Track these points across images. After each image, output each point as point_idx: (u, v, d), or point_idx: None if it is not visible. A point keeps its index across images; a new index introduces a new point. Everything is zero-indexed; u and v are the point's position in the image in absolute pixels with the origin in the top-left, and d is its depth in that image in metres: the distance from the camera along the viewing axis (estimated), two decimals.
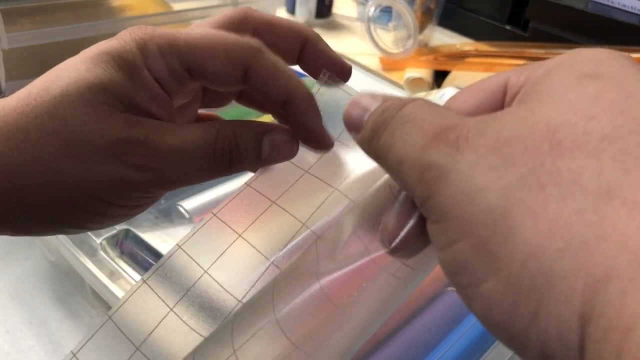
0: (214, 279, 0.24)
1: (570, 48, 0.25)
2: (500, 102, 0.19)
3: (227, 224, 0.26)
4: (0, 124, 0.21)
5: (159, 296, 0.24)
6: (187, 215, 0.44)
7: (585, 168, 0.14)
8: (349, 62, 0.28)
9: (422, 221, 0.18)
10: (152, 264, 0.41)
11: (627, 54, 0.17)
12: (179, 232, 0.42)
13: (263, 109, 0.30)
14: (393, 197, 0.19)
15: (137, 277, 0.39)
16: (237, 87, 0.24)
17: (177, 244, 0.25)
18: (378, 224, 0.20)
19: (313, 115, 0.24)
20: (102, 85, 0.22)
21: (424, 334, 0.40)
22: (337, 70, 0.27)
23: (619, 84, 0.16)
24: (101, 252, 0.40)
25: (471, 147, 0.16)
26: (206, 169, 0.23)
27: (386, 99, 0.19)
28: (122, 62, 0.22)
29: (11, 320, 0.41)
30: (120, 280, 0.39)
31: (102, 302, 0.41)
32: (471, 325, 0.40)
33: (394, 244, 0.19)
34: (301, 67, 0.28)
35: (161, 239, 0.41)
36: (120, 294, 0.38)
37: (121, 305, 0.25)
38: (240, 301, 0.24)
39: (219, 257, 0.25)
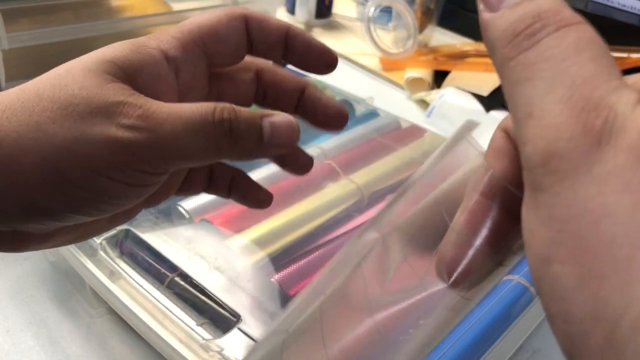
0: None
1: None
2: None
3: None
4: (1, 97, 0.21)
5: None
6: (187, 215, 0.44)
7: None
8: (343, 107, 0.29)
9: (483, 251, 0.17)
10: (152, 264, 0.41)
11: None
12: (179, 232, 0.42)
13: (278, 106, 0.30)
14: (447, 225, 0.18)
15: (137, 277, 0.39)
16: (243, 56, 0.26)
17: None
18: (430, 252, 0.18)
19: (313, 40, 0.26)
20: (107, 57, 0.22)
21: None
22: (334, 115, 0.28)
23: None
24: (101, 252, 0.40)
25: (612, 146, 0.13)
26: (206, 136, 0.21)
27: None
28: (134, 41, 0.23)
29: (11, 320, 0.41)
30: (120, 280, 0.39)
31: (102, 302, 0.41)
32: (471, 325, 0.40)
33: (454, 278, 0.17)
34: (300, 115, 0.29)
35: (161, 239, 0.41)
36: (120, 294, 0.38)
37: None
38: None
39: None
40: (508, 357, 0.41)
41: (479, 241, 0.17)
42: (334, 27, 0.98)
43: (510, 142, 0.18)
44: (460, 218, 0.19)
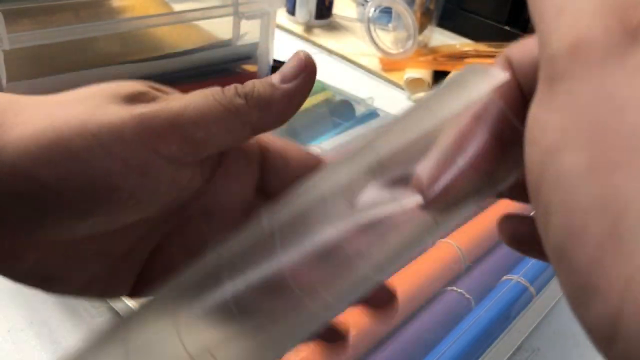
0: None
1: None
2: None
3: None
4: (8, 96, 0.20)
5: None
6: None
7: None
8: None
9: (466, 173, 0.17)
10: None
11: None
12: None
13: None
14: (429, 148, 0.18)
15: None
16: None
17: None
18: (406, 179, 0.18)
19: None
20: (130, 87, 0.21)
21: (424, 334, 0.40)
22: None
23: None
24: None
25: None
26: (219, 100, 0.20)
27: None
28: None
29: (12, 320, 0.41)
30: None
31: (103, 301, 0.41)
32: (471, 325, 0.40)
33: (430, 196, 0.17)
34: None
35: None
36: None
37: None
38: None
39: None
40: (507, 357, 0.41)
41: (463, 162, 0.17)
42: (334, 27, 0.98)
43: (511, 69, 0.18)
44: (447, 138, 0.18)
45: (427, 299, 0.43)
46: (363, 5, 0.92)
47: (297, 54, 0.22)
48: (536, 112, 0.14)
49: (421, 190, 0.18)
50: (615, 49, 0.13)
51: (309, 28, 0.96)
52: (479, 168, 0.18)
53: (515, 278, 0.44)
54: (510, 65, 0.18)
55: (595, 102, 0.12)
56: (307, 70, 0.21)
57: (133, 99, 0.20)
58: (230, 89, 0.21)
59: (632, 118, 0.12)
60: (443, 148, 0.17)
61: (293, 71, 0.21)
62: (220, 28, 0.69)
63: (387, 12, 0.87)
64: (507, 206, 0.51)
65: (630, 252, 0.11)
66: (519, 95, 0.18)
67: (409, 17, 0.82)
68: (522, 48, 0.18)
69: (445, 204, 0.17)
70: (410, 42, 0.83)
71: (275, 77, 0.21)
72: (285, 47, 0.86)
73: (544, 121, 0.14)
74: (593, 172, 0.12)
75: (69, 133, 0.18)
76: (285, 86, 0.21)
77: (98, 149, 0.18)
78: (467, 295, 0.43)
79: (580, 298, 0.12)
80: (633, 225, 0.11)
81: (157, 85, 0.21)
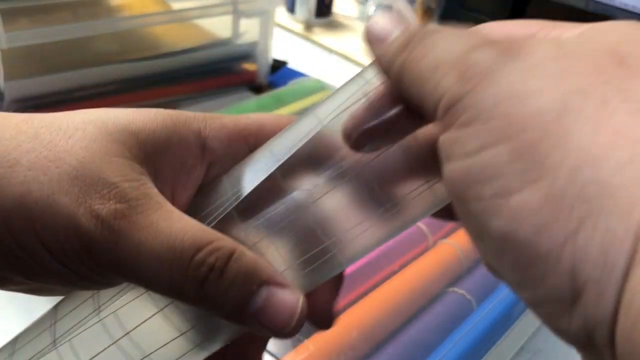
0: None
1: None
2: None
3: None
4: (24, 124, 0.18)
5: None
6: None
7: None
8: None
9: (397, 119, 0.18)
10: None
11: None
12: None
13: None
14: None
15: None
16: None
17: None
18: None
19: None
20: (132, 127, 0.19)
21: (425, 335, 0.40)
22: None
23: None
24: None
25: (526, 53, 0.14)
26: (171, 272, 0.17)
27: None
28: (176, 114, 0.21)
29: (10, 321, 0.41)
30: None
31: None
32: (472, 327, 0.40)
33: (357, 134, 0.18)
34: None
35: None
36: None
37: None
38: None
39: None
40: (509, 358, 0.41)
41: (395, 107, 0.18)
42: (334, 26, 0.98)
43: None
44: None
45: (428, 300, 0.42)
46: (363, 3, 0.92)
47: (293, 310, 0.18)
48: (446, 138, 0.15)
49: (347, 135, 0.19)
50: (498, 61, 0.14)
51: (308, 26, 0.95)
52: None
53: None
54: None
55: (499, 101, 0.14)
56: (289, 334, 0.18)
57: (95, 192, 0.17)
58: (201, 270, 0.17)
59: (534, 102, 0.13)
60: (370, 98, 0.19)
61: (274, 327, 0.18)
62: (219, 26, 0.69)
63: (387, 10, 0.87)
64: None
65: (569, 208, 0.12)
66: None
67: (410, 16, 0.82)
68: None
69: (371, 145, 0.18)
70: None
71: (256, 304, 0.18)
72: (284, 45, 0.86)
73: (457, 138, 0.15)
74: (516, 155, 0.13)
75: (16, 213, 0.17)
76: (254, 325, 0.18)
77: (34, 242, 0.17)
78: (468, 296, 0.43)
79: (532, 274, 0.13)
80: (564, 185, 0.12)
81: (129, 185, 0.18)
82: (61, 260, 0.18)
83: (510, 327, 0.41)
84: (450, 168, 0.15)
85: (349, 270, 0.42)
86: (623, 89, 0.13)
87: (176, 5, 0.66)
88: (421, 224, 0.47)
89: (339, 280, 0.22)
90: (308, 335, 0.37)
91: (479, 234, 0.14)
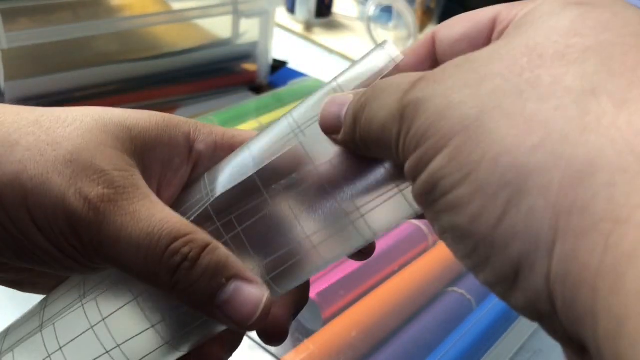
0: None
1: None
2: (486, 37, 0.19)
3: None
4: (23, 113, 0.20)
5: None
6: None
7: (567, 73, 0.14)
8: None
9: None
10: None
11: None
12: None
13: None
14: None
15: None
16: None
17: None
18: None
19: None
20: (127, 122, 0.21)
21: (425, 335, 0.40)
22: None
23: (605, 6, 0.15)
24: None
25: (448, 76, 0.16)
26: (146, 259, 0.18)
27: (358, 90, 0.19)
28: (168, 117, 0.23)
29: (10, 320, 0.41)
30: None
31: None
32: (472, 326, 0.40)
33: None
34: None
35: None
36: None
37: None
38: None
39: None
40: (509, 358, 0.41)
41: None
42: (334, 26, 0.98)
43: (434, 43, 0.21)
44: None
45: (427, 300, 0.42)
46: (363, 3, 0.92)
47: (256, 305, 0.19)
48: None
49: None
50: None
51: (308, 26, 0.95)
52: None
53: None
54: (433, 40, 0.21)
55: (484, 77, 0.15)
56: (252, 328, 0.19)
57: (85, 176, 0.19)
58: (174, 260, 0.18)
59: (457, 113, 0.15)
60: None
61: (237, 320, 0.19)
62: (219, 27, 0.69)
63: (387, 10, 0.87)
64: None
65: (494, 195, 0.13)
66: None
67: (410, 16, 0.82)
68: (449, 24, 0.20)
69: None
70: (410, 41, 0.83)
71: (223, 297, 0.19)
72: (284, 45, 0.86)
73: (415, 164, 0.16)
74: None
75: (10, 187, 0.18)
76: (220, 316, 0.19)
77: (26, 219, 0.18)
78: (468, 296, 0.43)
79: (478, 259, 0.14)
80: (486, 176, 0.14)
81: (119, 174, 0.19)
82: (48, 236, 0.19)
83: (510, 327, 0.42)
84: (415, 187, 0.16)
85: (349, 270, 0.42)
86: (534, 78, 0.14)
87: (176, 6, 0.66)
88: (421, 224, 0.47)
89: (299, 299, 0.23)
90: (308, 335, 0.37)
91: (441, 232, 0.16)
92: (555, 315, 0.13)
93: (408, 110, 0.16)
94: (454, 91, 0.15)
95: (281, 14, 0.96)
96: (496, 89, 0.14)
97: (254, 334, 0.37)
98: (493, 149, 0.14)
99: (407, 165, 0.16)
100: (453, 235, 0.15)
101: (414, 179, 0.16)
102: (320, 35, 0.93)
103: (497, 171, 0.13)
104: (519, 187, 0.13)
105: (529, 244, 0.13)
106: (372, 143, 0.18)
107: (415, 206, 0.19)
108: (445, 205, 0.15)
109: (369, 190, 0.20)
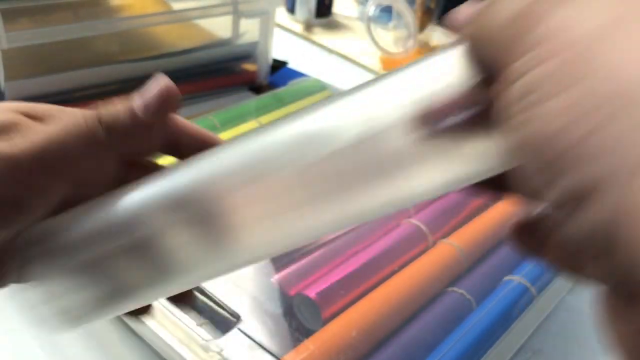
0: None
1: None
2: None
3: None
4: None
5: None
6: None
7: None
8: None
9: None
10: None
11: None
12: None
13: None
14: None
15: None
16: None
17: None
18: None
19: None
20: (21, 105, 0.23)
21: (425, 335, 0.40)
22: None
23: None
24: None
25: None
26: (79, 131, 0.22)
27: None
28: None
29: (11, 320, 0.41)
30: None
31: None
32: (472, 326, 0.40)
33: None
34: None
35: None
36: None
37: None
38: None
39: None
40: (509, 358, 0.41)
41: None
42: (334, 26, 0.98)
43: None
44: None
45: (427, 300, 0.42)
46: (363, 3, 0.92)
47: (158, 80, 0.24)
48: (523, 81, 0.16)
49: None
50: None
51: (308, 27, 0.95)
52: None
53: (517, 279, 0.44)
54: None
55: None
56: (168, 106, 0.24)
57: (2, 132, 0.21)
58: (93, 119, 0.22)
59: (580, 28, 0.15)
60: None
61: (155, 103, 0.23)
62: (219, 27, 0.69)
63: (387, 10, 0.87)
64: (506, 207, 0.51)
65: (592, 110, 0.14)
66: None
67: (410, 16, 0.82)
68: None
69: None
70: (410, 41, 0.83)
71: (138, 105, 0.23)
72: (284, 45, 0.86)
73: (521, 65, 0.16)
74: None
75: None
76: (147, 120, 0.23)
77: None
78: (468, 296, 0.43)
79: (557, 170, 0.14)
80: (589, 92, 0.14)
81: (30, 109, 0.22)
82: (34, 188, 0.21)
83: (510, 327, 0.42)
84: (512, 88, 0.16)
85: (349, 269, 0.42)
86: None
87: (176, 6, 0.66)
88: (421, 224, 0.48)
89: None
90: (308, 335, 0.37)
91: (520, 143, 0.16)
92: (614, 250, 0.13)
93: (534, 13, 0.16)
94: (583, 8, 0.15)
95: (281, 14, 0.96)
96: (624, 14, 0.15)
97: (254, 334, 0.37)
98: (603, 71, 0.14)
99: (518, 63, 0.16)
100: (533, 147, 0.15)
101: (514, 80, 0.16)
102: (320, 36, 0.93)
103: (601, 91, 0.14)
104: (618, 112, 0.13)
105: (614, 165, 0.13)
106: (489, 39, 0.18)
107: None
108: (538, 113, 0.15)
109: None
